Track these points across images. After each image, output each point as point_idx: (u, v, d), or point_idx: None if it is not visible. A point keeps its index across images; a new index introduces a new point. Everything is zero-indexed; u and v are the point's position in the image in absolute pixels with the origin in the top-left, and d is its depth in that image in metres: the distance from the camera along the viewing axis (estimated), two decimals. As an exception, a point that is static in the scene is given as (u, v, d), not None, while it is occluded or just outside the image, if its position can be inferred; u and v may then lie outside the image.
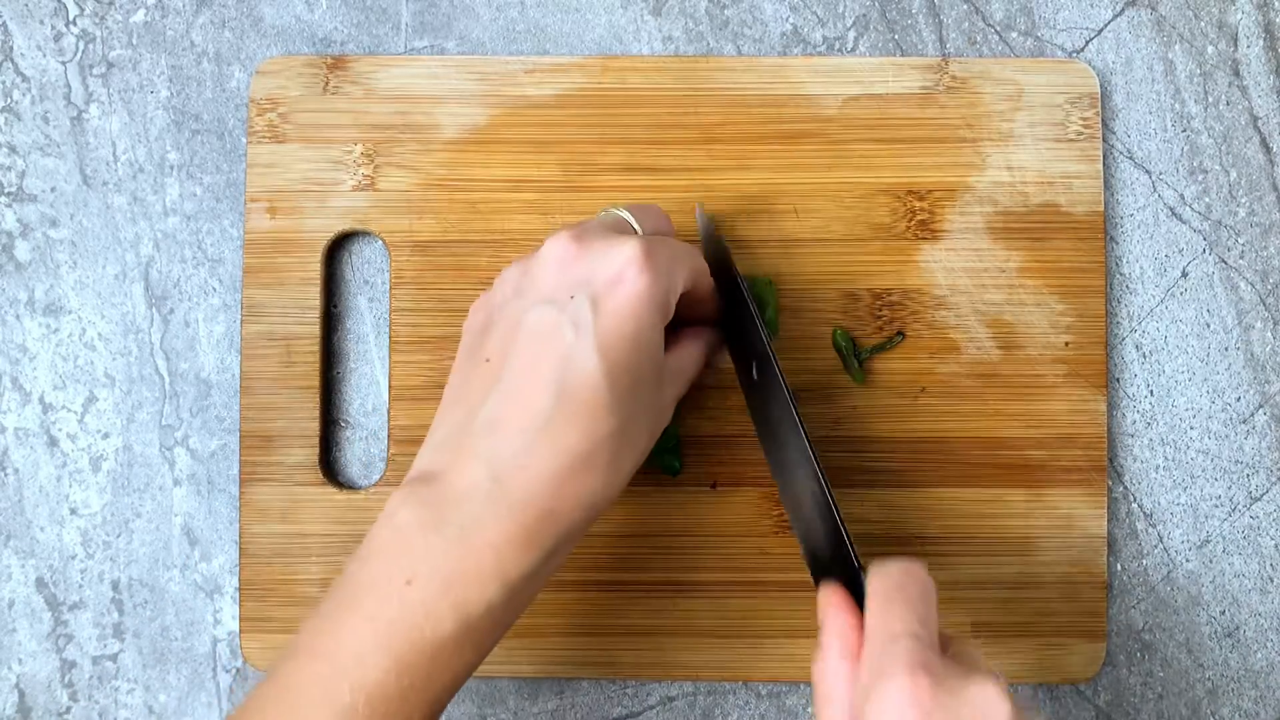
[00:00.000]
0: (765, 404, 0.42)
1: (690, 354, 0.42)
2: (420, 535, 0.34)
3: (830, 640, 0.34)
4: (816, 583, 0.38)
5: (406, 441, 0.47)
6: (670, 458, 0.46)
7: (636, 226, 0.40)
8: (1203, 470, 0.49)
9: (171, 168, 0.49)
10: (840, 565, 0.37)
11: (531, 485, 0.34)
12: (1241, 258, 0.49)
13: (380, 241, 0.49)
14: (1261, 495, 0.49)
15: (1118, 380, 0.49)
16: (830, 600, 0.35)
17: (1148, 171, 0.49)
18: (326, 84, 0.48)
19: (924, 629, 0.32)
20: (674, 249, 0.39)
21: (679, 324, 0.41)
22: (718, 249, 0.44)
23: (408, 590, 0.33)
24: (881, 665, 0.31)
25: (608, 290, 0.36)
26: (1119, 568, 0.48)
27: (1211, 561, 0.49)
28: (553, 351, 0.35)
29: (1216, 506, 0.49)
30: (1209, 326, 0.49)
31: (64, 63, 0.50)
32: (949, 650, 0.33)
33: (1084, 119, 0.48)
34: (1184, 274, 0.49)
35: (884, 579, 0.34)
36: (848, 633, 0.34)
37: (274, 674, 0.34)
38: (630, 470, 0.37)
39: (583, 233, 0.37)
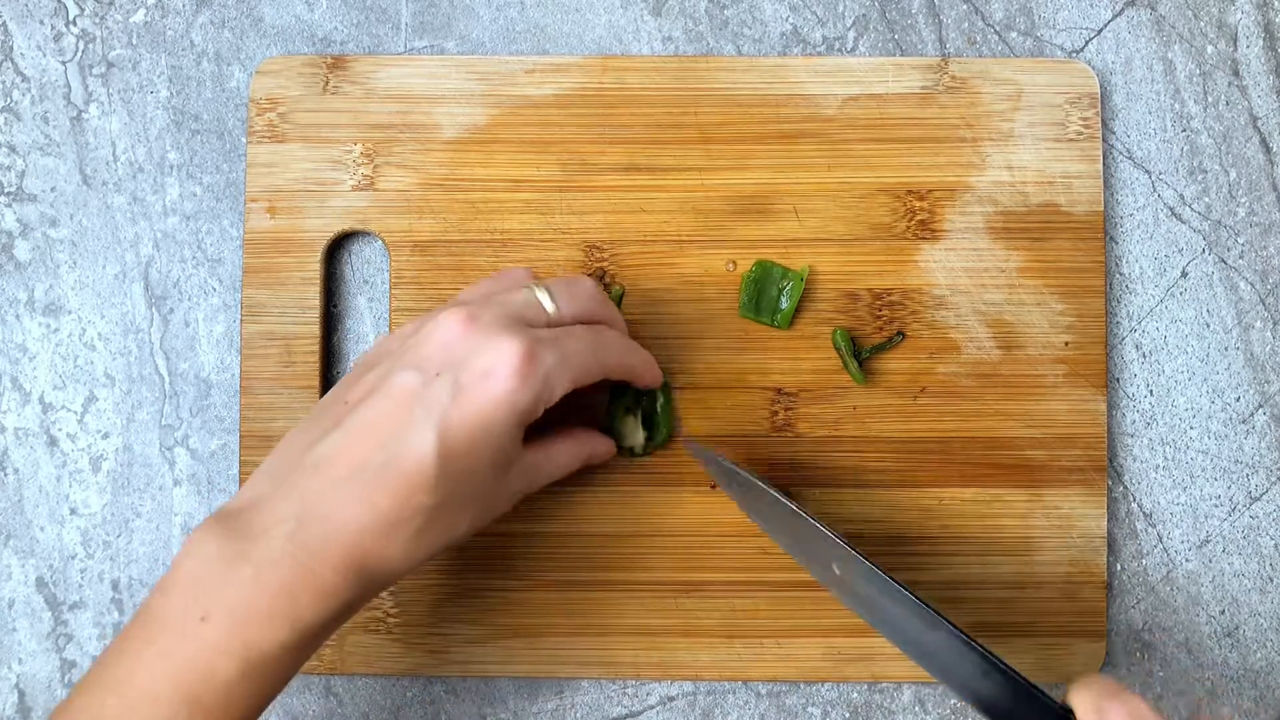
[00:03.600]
0: (858, 590, 0.40)
1: (558, 456, 0.42)
2: (219, 570, 0.34)
3: None
4: None
5: (406, 441, 0.47)
6: (663, 428, 0.47)
7: (550, 308, 0.40)
8: (1203, 470, 0.49)
9: (171, 168, 0.49)
10: (1027, 710, 0.35)
11: (331, 536, 0.35)
12: (1241, 258, 0.49)
13: (380, 241, 0.49)
14: (1261, 495, 0.49)
15: (1118, 380, 0.49)
16: None
17: (1147, 171, 0.49)
18: (326, 84, 0.48)
19: None
20: (567, 351, 0.38)
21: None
22: (723, 470, 0.44)
23: (202, 627, 0.34)
24: None
25: (473, 381, 0.36)
26: (1119, 568, 0.48)
27: (1211, 561, 0.49)
28: (398, 417, 0.35)
29: (1216, 506, 0.49)
30: (1209, 326, 0.49)
31: (64, 63, 0.50)
32: None
33: (1084, 119, 0.48)
34: (1184, 274, 0.49)
35: None
36: None
37: (68, 704, 0.35)
38: (434, 548, 0.37)
39: (478, 315, 0.37)
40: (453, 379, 0.36)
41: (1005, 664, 0.36)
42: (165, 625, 0.34)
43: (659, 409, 0.47)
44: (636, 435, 0.46)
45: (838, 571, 0.40)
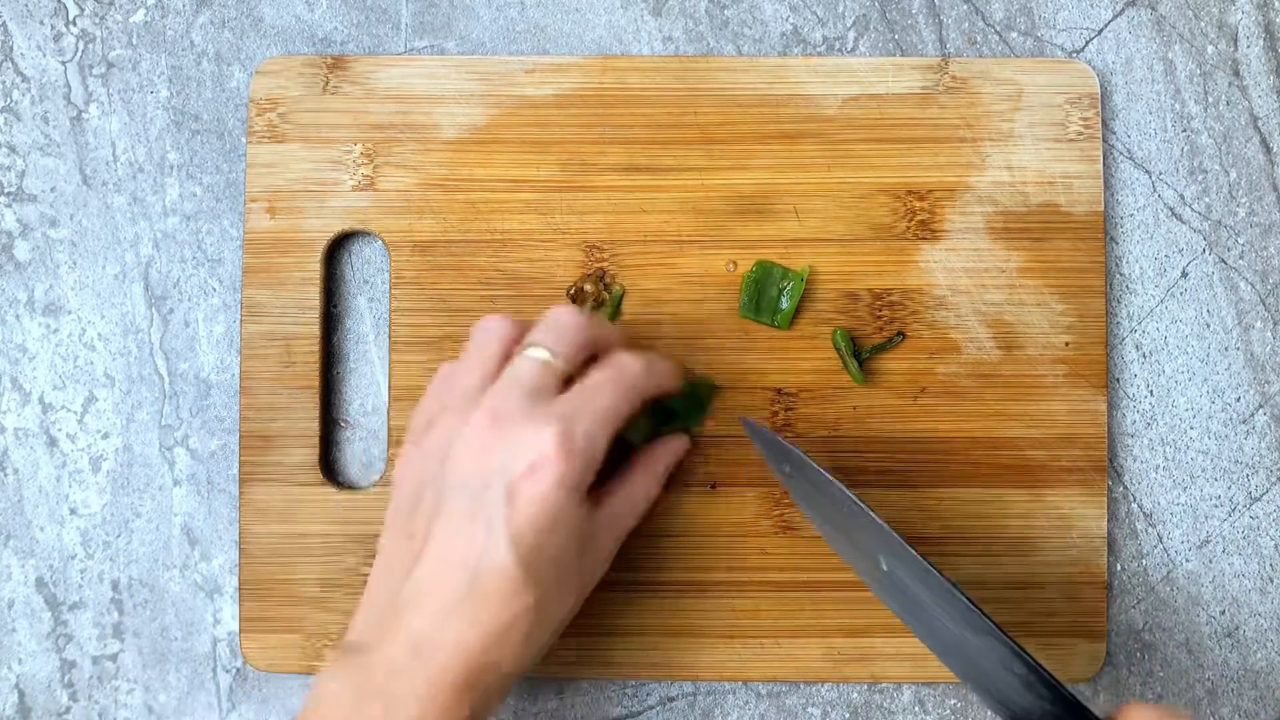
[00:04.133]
0: (904, 590, 0.41)
1: (633, 496, 0.43)
2: (349, 708, 0.36)
3: None
4: None
5: (406, 441, 0.47)
6: (697, 415, 0.47)
7: (552, 362, 0.39)
8: (1203, 470, 0.49)
9: (171, 168, 0.49)
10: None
11: (448, 659, 0.36)
12: (1241, 258, 0.49)
13: (380, 241, 0.49)
14: (1261, 495, 0.49)
15: (1118, 380, 0.49)
16: None
17: (1148, 171, 0.49)
18: (326, 84, 0.48)
19: None
20: (598, 411, 0.39)
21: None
22: (778, 450, 0.44)
23: None
24: None
25: (523, 481, 0.37)
26: (1119, 568, 0.48)
27: (1211, 561, 0.49)
28: (468, 538, 0.37)
29: (1216, 506, 0.49)
30: (1209, 326, 0.49)
31: (64, 63, 0.50)
32: None
33: (1084, 119, 0.48)
34: (1184, 274, 0.49)
35: None
36: None
37: None
38: (551, 636, 0.39)
39: (498, 412, 0.38)
40: (502, 486, 0.37)
41: (1054, 677, 0.35)
42: None
43: (679, 413, 0.47)
44: (639, 433, 0.46)
45: (884, 566, 0.40)
